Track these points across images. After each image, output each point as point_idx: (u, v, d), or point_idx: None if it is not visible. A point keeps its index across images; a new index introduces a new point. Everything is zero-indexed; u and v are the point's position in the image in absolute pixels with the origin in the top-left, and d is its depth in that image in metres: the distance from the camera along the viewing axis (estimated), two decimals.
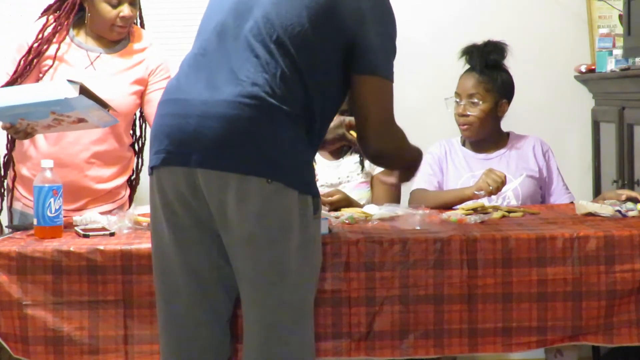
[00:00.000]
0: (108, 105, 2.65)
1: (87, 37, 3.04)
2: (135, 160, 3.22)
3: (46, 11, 3.06)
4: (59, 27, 2.98)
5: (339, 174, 3.30)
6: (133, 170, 3.21)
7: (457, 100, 3.28)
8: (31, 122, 2.67)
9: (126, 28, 3.00)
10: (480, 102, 3.23)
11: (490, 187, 2.99)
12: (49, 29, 2.98)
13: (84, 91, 2.55)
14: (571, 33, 4.06)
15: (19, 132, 2.72)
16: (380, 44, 2.19)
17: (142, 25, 3.17)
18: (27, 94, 2.66)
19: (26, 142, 3.01)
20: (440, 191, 3.25)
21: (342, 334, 2.39)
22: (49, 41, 2.97)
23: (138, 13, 3.13)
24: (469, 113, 3.24)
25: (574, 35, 4.06)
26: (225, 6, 2.22)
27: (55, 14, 3.01)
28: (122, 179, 3.14)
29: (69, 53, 3.00)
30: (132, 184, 3.23)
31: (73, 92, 2.53)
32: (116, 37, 3.02)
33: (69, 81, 2.55)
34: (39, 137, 2.99)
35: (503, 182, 3.01)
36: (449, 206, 3.05)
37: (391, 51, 2.22)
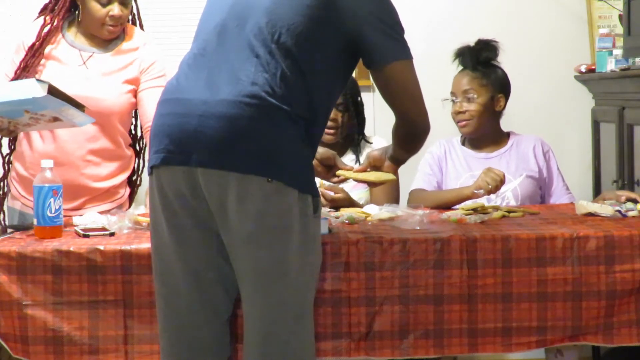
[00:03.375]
0: (81, 105, 2.64)
1: (80, 36, 3.04)
2: (137, 160, 3.22)
3: (42, 11, 3.06)
4: (52, 26, 2.99)
5: None
6: (134, 170, 3.21)
7: (453, 99, 3.29)
8: (12, 120, 2.67)
9: (117, 27, 3.00)
10: (476, 96, 3.25)
11: (490, 186, 2.99)
12: (46, 29, 2.98)
13: (52, 91, 2.54)
14: (571, 33, 4.06)
15: (2, 130, 2.72)
16: (388, 29, 2.20)
17: (141, 26, 3.17)
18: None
19: (23, 141, 3.02)
20: (440, 191, 3.26)
21: (342, 334, 2.39)
22: (45, 40, 2.97)
23: (135, 13, 3.13)
24: (465, 109, 3.25)
25: (574, 35, 4.06)
26: (224, 6, 2.22)
27: (51, 14, 3.01)
28: (121, 178, 3.13)
29: (61, 51, 3.00)
30: (133, 183, 3.23)
31: (40, 92, 2.51)
32: (107, 36, 3.02)
33: (38, 80, 2.54)
34: (35, 136, 2.99)
35: (502, 181, 3.01)
36: (448, 206, 3.05)
37: (400, 31, 2.23)
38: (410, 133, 2.33)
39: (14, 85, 2.77)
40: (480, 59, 3.27)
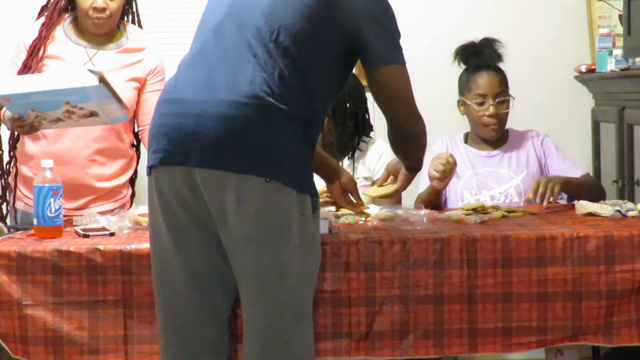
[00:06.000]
0: (122, 101, 2.64)
1: (83, 34, 3.03)
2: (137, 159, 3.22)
3: (41, 12, 3.06)
4: (50, 23, 2.99)
5: None
6: (135, 170, 3.21)
7: (481, 101, 3.18)
8: (40, 114, 2.65)
9: (102, 20, 2.98)
10: (507, 99, 3.18)
11: (437, 173, 2.91)
12: (45, 28, 2.98)
13: (103, 81, 2.54)
14: (571, 33, 4.06)
15: (24, 125, 2.71)
16: (384, 32, 2.20)
17: (139, 25, 3.17)
18: (44, 81, 2.61)
19: (27, 141, 3.01)
20: (423, 191, 3.20)
21: (342, 334, 2.39)
22: (45, 39, 2.97)
23: (134, 12, 3.13)
24: (499, 111, 3.16)
25: (574, 35, 4.06)
26: (223, 7, 2.22)
27: (49, 12, 3.02)
28: (124, 178, 3.14)
29: (64, 49, 3.00)
30: (132, 182, 3.23)
31: (93, 81, 2.51)
32: (93, 29, 3.00)
33: (90, 70, 2.53)
34: (40, 136, 2.98)
35: (448, 162, 2.90)
36: (432, 204, 3.02)
37: (396, 35, 2.23)
38: (400, 136, 2.32)
39: (61, 74, 2.71)
40: (497, 55, 3.20)
